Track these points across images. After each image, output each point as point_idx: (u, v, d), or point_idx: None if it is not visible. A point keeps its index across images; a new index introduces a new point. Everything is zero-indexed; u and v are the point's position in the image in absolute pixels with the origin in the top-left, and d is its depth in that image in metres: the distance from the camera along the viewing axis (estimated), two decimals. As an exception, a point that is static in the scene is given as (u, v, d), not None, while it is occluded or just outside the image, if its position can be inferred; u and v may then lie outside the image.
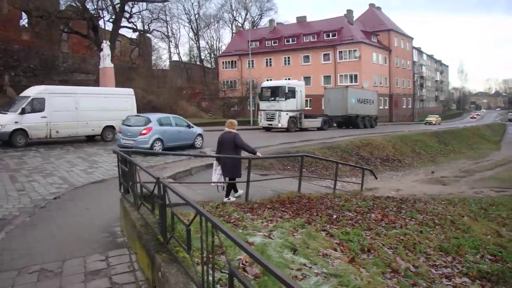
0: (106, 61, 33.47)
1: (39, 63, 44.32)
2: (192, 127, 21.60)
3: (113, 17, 44.29)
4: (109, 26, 47.02)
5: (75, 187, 11.52)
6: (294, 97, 36.00)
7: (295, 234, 6.97)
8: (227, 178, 10.48)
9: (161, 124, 19.31)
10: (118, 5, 43.77)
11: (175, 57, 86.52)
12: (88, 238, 6.95)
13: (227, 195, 10.54)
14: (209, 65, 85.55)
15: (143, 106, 41.23)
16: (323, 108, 48.60)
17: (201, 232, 3.45)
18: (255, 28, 79.73)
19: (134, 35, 53.88)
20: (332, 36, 61.61)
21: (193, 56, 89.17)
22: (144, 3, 48.51)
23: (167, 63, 79.87)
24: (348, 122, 44.55)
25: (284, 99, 35.07)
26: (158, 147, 18.60)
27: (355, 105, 43.88)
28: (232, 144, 10.32)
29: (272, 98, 35.99)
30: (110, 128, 23.82)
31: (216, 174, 10.48)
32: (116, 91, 26.06)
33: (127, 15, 45.56)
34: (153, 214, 5.47)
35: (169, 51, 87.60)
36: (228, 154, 10.28)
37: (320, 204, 10.65)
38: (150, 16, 52.91)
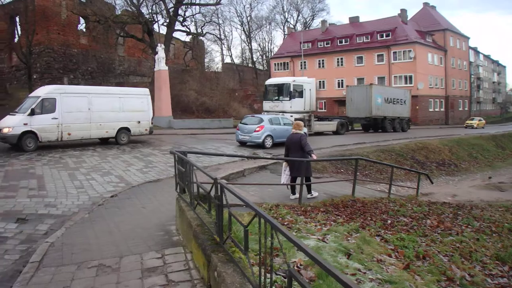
0: (161, 64, 34.30)
1: (97, 66, 45.92)
2: None
3: (167, 21, 45.03)
4: (163, 30, 48.04)
5: (132, 186, 11.81)
6: (302, 97, 30.62)
7: (349, 238, 6.88)
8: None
9: (271, 123, 22.70)
10: (172, 9, 44.48)
11: (227, 59, 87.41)
12: (144, 235, 7.11)
13: (309, 191, 11.26)
14: (261, 67, 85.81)
15: (196, 108, 41.94)
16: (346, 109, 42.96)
17: (259, 233, 3.46)
18: (307, 29, 79.30)
19: (187, 38, 54.77)
20: (386, 37, 60.20)
21: (245, 58, 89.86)
22: (197, 7, 49.21)
23: (220, 65, 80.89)
24: (374, 125, 40.45)
25: (288, 98, 29.85)
26: (268, 142, 22.10)
27: (381, 106, 39.54)
28: (299, 145, 10.69)
29: (276, 98, 30.98)
30: (125, 130, 22.31)
31: (285, 174, 10.91)
32: (131, 91, 24.28)
33: (181, 19, 46.23)
34: (209, 214, 5.53)
35: (222, 54, 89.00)
36: (296, 154, 10.71)
37: (375, 208, 10.49)
38: (203, 19, 53.61)
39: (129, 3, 43.09)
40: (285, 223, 7.32)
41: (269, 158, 14.77)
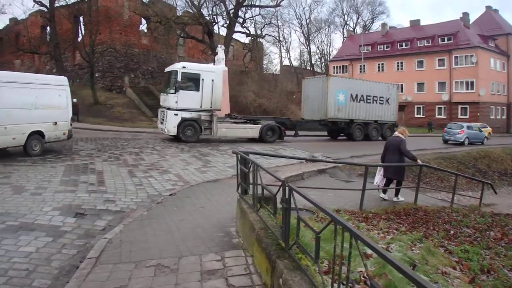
0: (220, 65, 34.36)
1: (157, 66, 46.78)
2: (482, 131, 35.49)
3: (227, 22, 45.38)
4: (223, 31, 48.49)
5: (190, 185, 11.72)
6: (197, 90, 22.82)
7: (413, 248, 6.61)
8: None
9: (468, 129, 33.34)
10: (232, 10, 44.76)
11: (286, 62, 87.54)
12: (204, 236, 6.95)
13: (396, 194, 11.75)
14: (319, 70, 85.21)
15: (254, 109, 42.00)
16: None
17: (335, 241, 3.30)
18: (366, 32, 78.17)
19: (247, 40, 55.06)
20: (447, 41, 58.43)
21: (303, 60, 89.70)
22: (257, 9, 49.42)
23: (278, 67, 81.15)
24: (337, 130, 31.14)
25: (173, 91, 22.26)
26: (466, 141, 32.37)
27: (345, 105, 29.61)
28: (397, 148, 11.18)
29: (165, 90, 23.84)
30: (38, 135, 15.95)
31: (379, 175, 11.44)
32: (45, 79, 17.10)
33: (241, 20, 46.50)
34: (273, 218, 5.28)
35: (280, 56, 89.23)
36: (393, 157, 11.26)
37: (437, 218, 10.06)
38: (263, 21, 53.86)
39: (190, 4, 43.67)
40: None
41: (329, 162, 14.35)
